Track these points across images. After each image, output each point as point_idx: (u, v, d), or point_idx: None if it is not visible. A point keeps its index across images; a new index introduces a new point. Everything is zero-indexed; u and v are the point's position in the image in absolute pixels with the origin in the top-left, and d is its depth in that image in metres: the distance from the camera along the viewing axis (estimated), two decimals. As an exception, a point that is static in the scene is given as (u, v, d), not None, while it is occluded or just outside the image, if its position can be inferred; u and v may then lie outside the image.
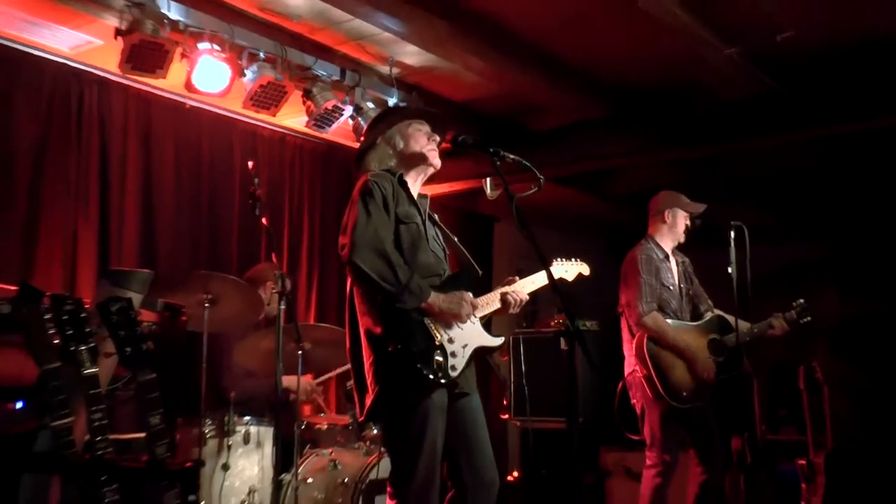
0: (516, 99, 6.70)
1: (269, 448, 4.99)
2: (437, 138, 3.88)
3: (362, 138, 4.07)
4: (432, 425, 3.45)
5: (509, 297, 3.77)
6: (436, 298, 3.49)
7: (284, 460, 4.88)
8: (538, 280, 3.95)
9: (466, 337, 3.61)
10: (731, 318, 5.37)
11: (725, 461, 5.60)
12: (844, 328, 7.04)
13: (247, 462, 4.94)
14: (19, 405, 3.72)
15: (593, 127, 7.00)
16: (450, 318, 3.55)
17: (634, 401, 5.45)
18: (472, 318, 3.64)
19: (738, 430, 5.97)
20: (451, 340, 3.53)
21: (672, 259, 5.55)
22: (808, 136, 6.51)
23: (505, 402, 7.34)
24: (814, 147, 6.98)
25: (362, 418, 3.66)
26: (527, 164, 3.49)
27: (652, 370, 5.17)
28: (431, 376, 3.41)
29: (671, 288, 5.44)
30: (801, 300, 5.49)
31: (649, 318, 5.25)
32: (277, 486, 4.80)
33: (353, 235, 3.47)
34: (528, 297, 3.85)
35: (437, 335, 3.49)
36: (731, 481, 6.06)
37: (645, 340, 5.23)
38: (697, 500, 5.34)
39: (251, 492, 4.87)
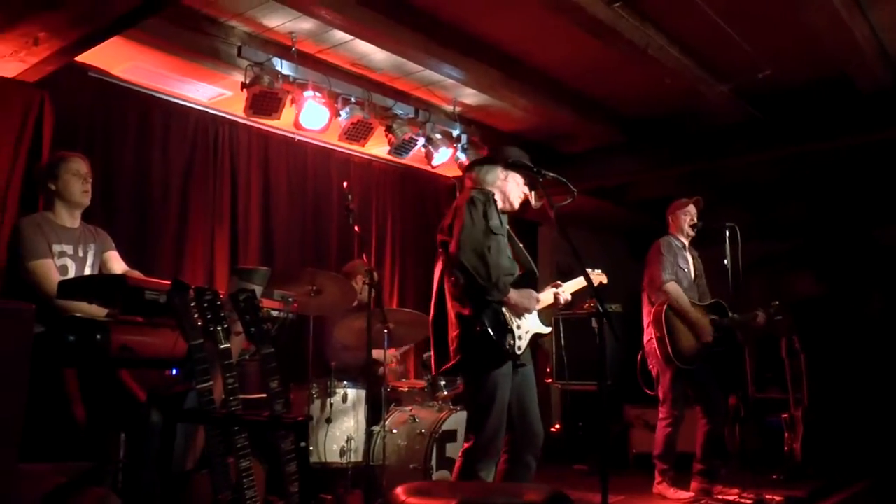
0: (553, 128, 6.66)
1: (362, 406, 5.01)
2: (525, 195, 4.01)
3: (483, 152, 4.14)
4: (502, 388, 3.57)
5: (560, 296, 3.93)
6: (513, 294, 3.61)
7: (374, 416, 4.92)
8: (576, 284, 4.09)
9: (529, 324, 3.73)
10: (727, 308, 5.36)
11: (725, 414, 5.55)
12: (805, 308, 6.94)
13: (345, 417, 4.96)
14: (174, 372, 3.82)
15: (612, 150, 6.98)
16: (521, 310, 3.67)
17: (651, 366, 5.42)
18: (535, 310, 3.78)
19: (733, 389, 5.89)
20: (518, 327, 3.65)
21: (688, 252, 5.51)
22: (782, 154, 6.49)
23: (548, 370, 7.32)
24: (785, 161, 6.96)
25: (435, 373, 3.96)
26: (563, 179, 3.54)
27: (665, 333, 5.14)
28: (504, 352, 3.55)
29: (686, 270, 5.40)
30: (777, 302, 5.43)
31: (670, 285, 5.22)
32: (369, 435, 4.83)
33: (460, 237, 3.56)
34: (570, 298, 4.00)
35: (510, 322, 3.61)
36: (728, 430, 5.99)
37: (663, 308, 5.20)
38: (703, 446, 5.29)
39: (349, 440, 4.90)
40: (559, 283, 4.02)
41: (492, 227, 3.67)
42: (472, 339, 3.55)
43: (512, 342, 3.59)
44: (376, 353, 4.97)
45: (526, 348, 3.71)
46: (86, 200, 3.76)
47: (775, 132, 6.20)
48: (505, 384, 3.58)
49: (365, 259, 4.96)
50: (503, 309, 3.60)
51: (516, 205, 3.98)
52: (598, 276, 4.34)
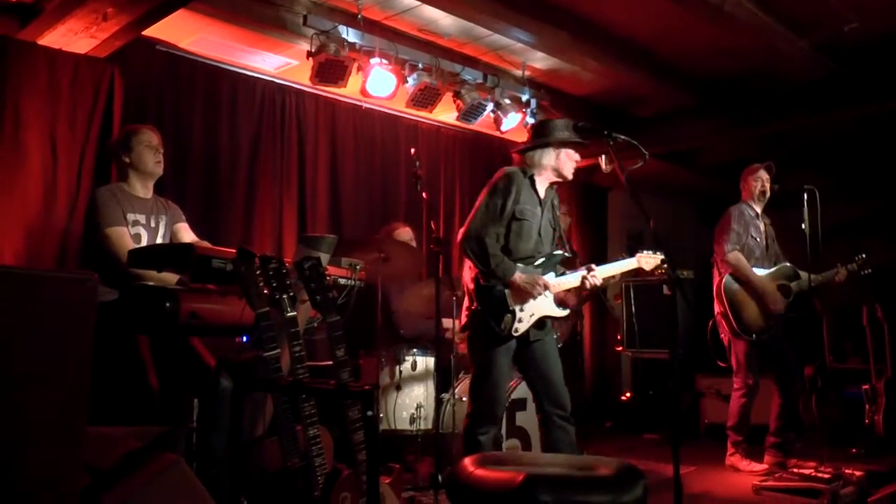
0: (624, 92, 6.50)
1: (431, 373, 5.02)
2: (575, 161, 3.99)
3: (528, 135, 4.07)
4: (499, 362, 3.76)
5: (587, 280, 3.91)
6: (517, 278, 3.72)
7: (443, 383, 4.90)
8: (614, 269, 4.14)
9: (535, 307, 3.80)
10: (800, 271, 5.19)
11: (801, 385, 5.40)
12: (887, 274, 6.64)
13: (414, 384, 4.98)
14: (245, 339, 3.86)
15: (685, 113, 6.78)
16: (524, 295, 3.75)
17: (723, 335, 5.32)
18: (546, 293, 3.82)
19: (810, 360, 5.72)
20: (521, 309, 3.76)
21: (761, 219, 5.35)
22: (865, 112, 6.18)
23: (619, 337, 7.22)
24: (865, 120, 6.65)
25: (459, 330, 4.19)
26: (634, 143, 3.46)
27: (727, 307, 5.09)
28: (497, 331, 3.71)
29: (757, 239, 5.28)
30: (863, 254, 5.22)
31: (732, 255, 5.16)
32: (438, 402, 4.83)
33: (469, 223, 3.78)
34: (601, 282, 3.97)
35: (511, 304, 3.74)
36: (804, 402, 5.83)
37: (724, 279, 5.12)
38: (778, 417, 5.19)
39: (418, 407, 4.92)
40: (593, 266, 3.99)
41: (516, 211, 3.79)
42: (471, 314, 3.80)
43: (511, 323, 3.72)
44: (445, 322, 4.95)
45: (533, 327, 3.80)
46: (159, 170, 3.83)
47: (860, 88, 5.90)
48: (504, 358, 3.77)
49: (433, 227, 4.91)
50: (506, 290, 3.74)
51: (570, 176, 3.99)
52: (653, 259, 4.24)
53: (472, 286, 3.79)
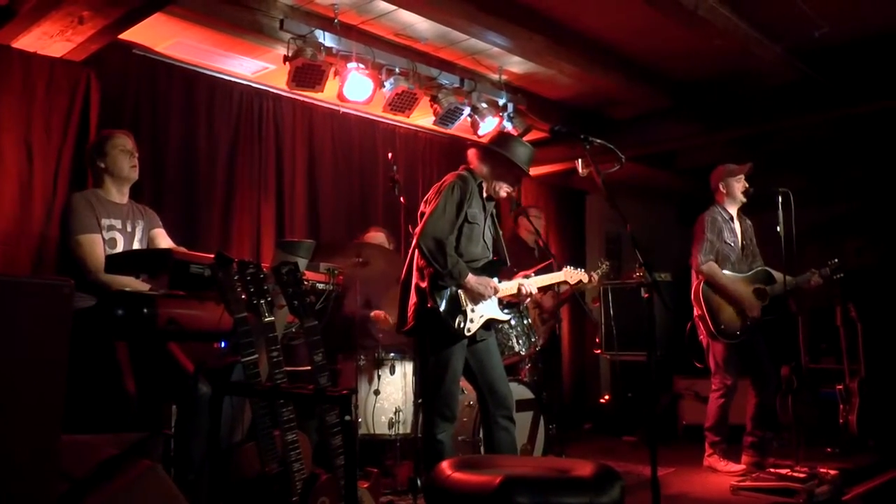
0: (600, 95, 6.52)
1: (410, 377, 5.01)
2: (512, 189, 4.10)
3: (488, 142, 4.15)
4: (455, 358, 3.81)
5: (522, 287, 4.05)
6: (470, 279, 3.80)
7: (422, 387, 4.91)
8: (547, 279, 4.34)
9: (484, 309, 3.92)
10: (777, 274, 5.24)
11: (776, 386, 5.46)
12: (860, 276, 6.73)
13: (393, 388, 4.97)
14: (223, 345, 3.85)
15: (661, 115, 6.81)
16: (476, 296, 3.84)
17: (701, 336, 5.38)
18: (493, 297, 3.94)
19: (786, 360, 5.78)
20: (473, 310, 3.85)
21: (736, 221, 5.40)
22: (838, 115, 6.25)
23: (597, 340, 7.25)
24: (839, 123, 6.74)
25: (396, 332, 4.16)
26: (610, 146, 3.52)
27: (704, 310, 5.17)
28: (451, 330, 3.77)
29: (731, 244, 5.32)
30: (836, 259, 5.30)
31: (706, 266, 5.22)
32: (417, 407, 4.80)
33: (426, 223, 3.77)
34: (536, 291, 4.15)
35: (464, 304, 3.83)
36: (780, 402, 5.90)
37: (701, 285, 5.19)
38: (753, 417, 5.25)
39: (397, 411, 4.91)
40: (530, 273, 4.18)
41: (468, 215, 3.86)
42: (424, 312, 3.78)
43: (462, 323, 3.79)
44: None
45: (481, 328, 3.90)
46: (134, 175, 3.82)
47: (832, 92, 5.96)
48: (459, 356, 3.82)
49: (412, 230, 4.91)
50: (459, 291, 3.82)
51: (502, 198, 4.11)
52: (577, 275, 4.47)
53: (424, 284, 3.79)
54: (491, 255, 4.04)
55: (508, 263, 4.11)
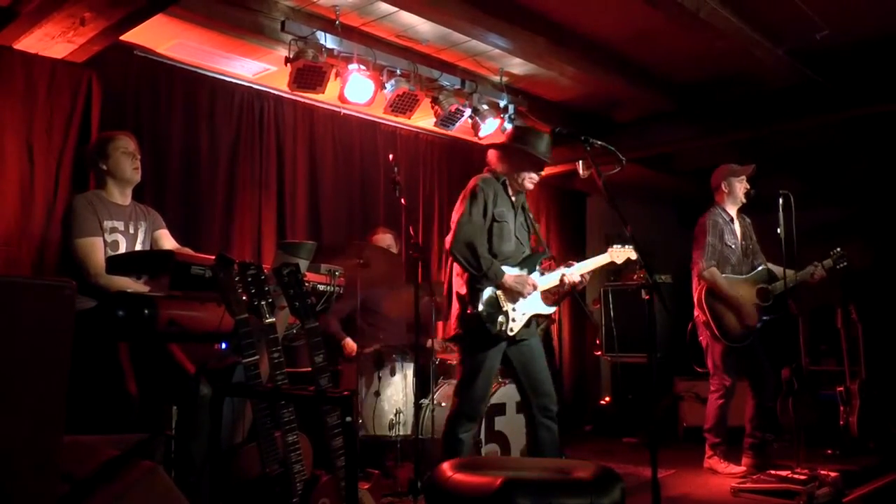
0: (601, 97, 6.53)
1: (411, 379, 5.02)
2: (538, 177, 4.13)
3: (505, 139, 4.17)
4: (490, 361, 3.86)
5: (565, 277, 4.05)
6: (507, 279, 3.84)
7: (423, 389, 4.91)
8: (590, 264, 4.23)
9: (526, 306, 3.94)
10: (777, 269, 5.24)
11: (776, 387, 5.47)
12: (861, 277, 6.73)
13: (394, 390, 4.98)
14: (224, 346, 3.85)
15: (663, 118, 6.82)
16: (515, 294, 3.87)
17: (701, 338, 5.38)
18: (534, 293, 3.96)
19: (786, 362, 5.79)
20: (514, 309, 3.89)
21: (736, 221, 5.41)
22: (841, 117, 6.24)
23: (598, 342, 7.25)
24: (840, 125, 6.72)
25: (443, 338, 4.25)
26: (611, 148, 3.53)
27: (709, 316, 5.16)
28: (494, 332, 3.81)
29: (732, 247, 5.32)
30: (839, 248, 5.29)
31: (708, 272, 5.21)
32: (417, 408, 4.82)
33: (455, 230, 3.87)
34: (579, 279, 4.09)
35: (503, 304, 3.85)
36: (781, 404, 5.90)
37: (704, 292, 5.18)
38: (752, 419, 5.26)
39: (397, 413, 4.92)
40: (572, 262, 4.15)
41: (495, 214, 3.94)
42: (466, 318, 3.84)
43: (503, 324, 3.83)
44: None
45: (524, 327, 3.93)
46: (136, 177, 3.82)
47: (834, 95, 5.97)
48: (494, 358, 3.87)
49: (412, 232, 4.92)
50: (497, 292, 3.85)
51: (531, 188, 4.15)
52: (625, 252, 4.39)
53: (464, 291, 3.85)
54: (526, 250, 4.07)
55: (548, 254, 4.16)
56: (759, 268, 5.35)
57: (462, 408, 3.87)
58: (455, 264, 3.93)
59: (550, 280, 4.04)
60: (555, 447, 3.90)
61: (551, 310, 4.06)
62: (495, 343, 3.85)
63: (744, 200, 5.39)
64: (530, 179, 4.06)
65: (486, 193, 3.93)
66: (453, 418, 3.88)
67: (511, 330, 3.86)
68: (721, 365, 5.25)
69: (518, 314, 3.89)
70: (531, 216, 4.22)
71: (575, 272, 4.08)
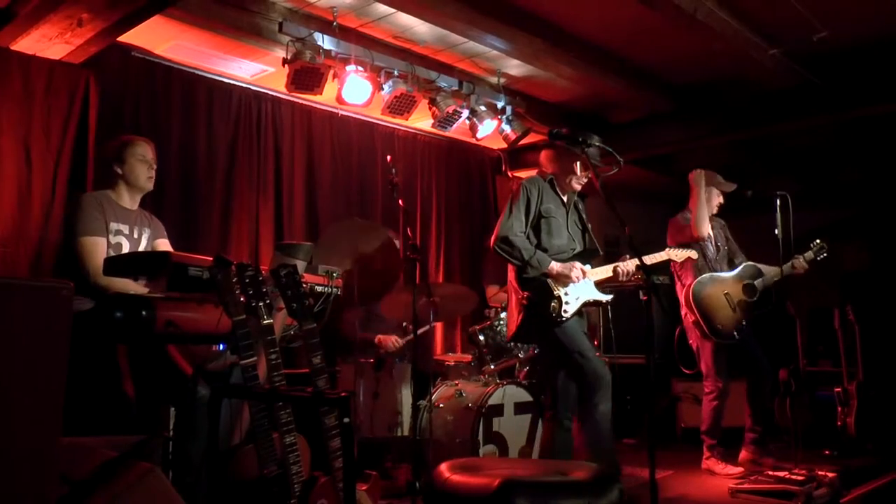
0: (599, 98, 6.54)
1: (408, 380, 5.02)
2: (585, 179, 4.27)
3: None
4: (567, 332, 4.02)
5: (619, 268, 4.12)
6: (554, 265, 4.01)
7: (421, 390, 4.91)
8: (648, 258, 4.23)
9: (579, 291, 4.10)
10: (763, 266, 5.28)
11: (773, 388, 5.47)
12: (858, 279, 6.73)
13: (392, 391, 4.98)
14: (221, 347, 3.84)
15: (660, 119, 6.83)
16: (564, 279, 4.02)
17: (691, 341, 5.39)
18: (587, 280, 4.09)
19: (783, 363, 5.79)
20: (566, 293, 4.05)
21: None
22: (839, 119, 6.24)
23: (595, 343, 7.24)
24: (841, 127, 6.74)
25: (509, 339, 4.36)
26: (609, 149, 3.52)
27: (699, 315, 5.15)
28: (549, 317, 3.98)
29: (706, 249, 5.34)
30: (818, 240, 5.29)
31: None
32: (416, 410, 4.83)
33: (497, 229, 4.08)
34: (633, 269, 4.14)
35: (555, 290, 4.02)
36: (778, 405, 5.90)
37: (692, 287, 5.18)
38: (752, 415, 5.27)
39: (396, 414, 4.93)
40: (626, 256, 4.20)
41: (542, 210, 4.12)
42: (522, 307, 4.03)
43: (557, 307, 3.99)
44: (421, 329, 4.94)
45: (578, 311, 4.08)
46: (150, 186, 3.84)
47: (832, 96, 5.97)
48: (572, 334, 4.01)
49: (410, 233, 4.92)
50: (548, 280, 4.01)
51: (578, 188, 4.30)
52: (684, 252, 4.50)
53: (517, 283, 4.06)
54: (577, 247, 4.23)
55: (601, 252, 4.27)
56: (742, 264, 5.36)
57: (555, 394, 4.04)
58: (508, 266, 4.12)
59: (601, 270, 4.14)
60: (608, 427, 4.06)
61: (608, 297, 4.20)
62: (555, 324, 3.98)
63: (714, 211, 5.41)
64: (577, 180, 4.21)
65: (529, 192, 4.12)
66: (553, 410, 4.05)
67: (565, 312, 4.00)
68: (713, 367, 5.25)
69: (572, 298, 4.04)
70: (586, 216, 4.36)
71: (630, 262, 4.14)
